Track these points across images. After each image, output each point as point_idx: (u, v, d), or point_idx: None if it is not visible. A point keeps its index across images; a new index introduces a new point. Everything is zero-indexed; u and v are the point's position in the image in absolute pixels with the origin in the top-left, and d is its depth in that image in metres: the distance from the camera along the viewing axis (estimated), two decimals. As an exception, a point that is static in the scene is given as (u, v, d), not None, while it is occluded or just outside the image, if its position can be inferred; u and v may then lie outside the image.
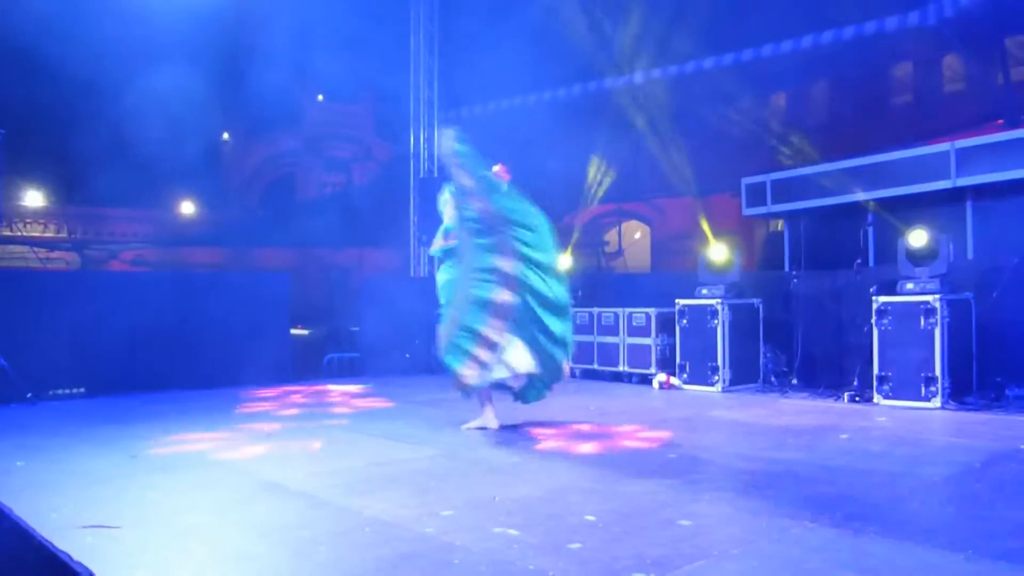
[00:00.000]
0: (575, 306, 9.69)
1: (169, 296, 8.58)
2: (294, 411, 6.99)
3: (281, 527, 3.45)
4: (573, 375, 9.53)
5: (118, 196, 17.37)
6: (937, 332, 6.70)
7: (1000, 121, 10.94)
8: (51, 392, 7.76)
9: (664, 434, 5.63)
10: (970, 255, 8.11)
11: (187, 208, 20.04)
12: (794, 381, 8.18)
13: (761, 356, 8.48)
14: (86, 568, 1.73)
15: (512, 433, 5.76)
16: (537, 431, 5.84)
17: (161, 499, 3.94)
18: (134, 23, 10.31)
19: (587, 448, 5.19)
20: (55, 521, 3.47)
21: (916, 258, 7.13)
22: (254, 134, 18.72)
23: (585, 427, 6.00)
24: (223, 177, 17.84)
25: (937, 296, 6.76)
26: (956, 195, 8.21)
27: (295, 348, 10.20)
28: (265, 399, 7.75)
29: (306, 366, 9.98)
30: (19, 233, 16.75)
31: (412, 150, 11.80)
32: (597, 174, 12.09)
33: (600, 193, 12.21)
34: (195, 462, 4.82)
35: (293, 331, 10.76)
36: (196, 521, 3.55)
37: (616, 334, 9.11)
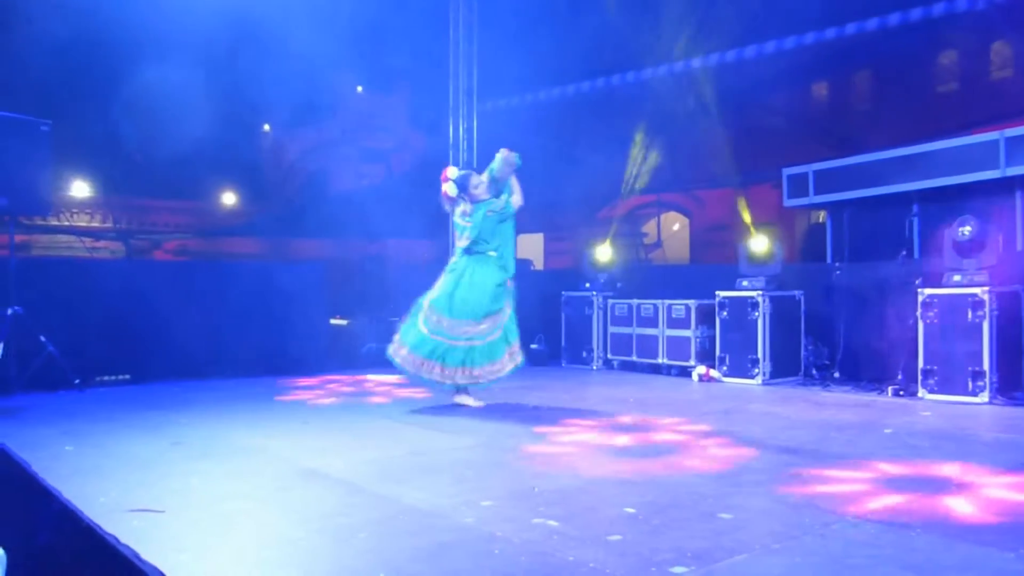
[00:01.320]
0: (614, 297, 9.66)
1: (211, 285, 8.70)
2: (333, 400, 7.06)
3: (321, 514, 3.48)
4: (611, 365, 9.48)
5: (162, 187, 17.60)
6: (985, 325, 6.56)
7: (1052, 109, 10.67)
8: (98, 379, 7.91)
9: (704, 427, 5.58)
10: (1019, 247, 7.91)
11: (228, 199, 20.29)
12: (836, 374, 8.06)
13: (802, 349, 8.37)
14: (132, 550, 1.75)
15: (551, 424, 5.75)
16: (576, 422, 5.83)
17: (203, 485, 3.99)
18: (178, 14, 10.42)
19: (626, 440, 5.16)
20: (102, 505, 3.54)
21: (963, 249, 6.97)
22: (294, 125, 18.88)
23: (624, 419, 5.97)
24: (263, 168, 18.02)
25: (985, 288, 6.61)
26: (1005, 185, 8.00)
27: (334, 337, 10.26)
28: (305, 388, 7.82)
29: (345, 355, 10.04)
30: (67, 223, 17.07)
31: (451, 141, 11.80)
32: (636, 165, 11.99)
33: (640, 184, 12.12)
34: (236, 449, 4.88)
35: (332, 321, 10.84)
36: (237, 507, 3.59)
37: (655, 326, 9.05)
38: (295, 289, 9.17)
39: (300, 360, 8.99)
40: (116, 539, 1.79)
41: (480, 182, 6.66)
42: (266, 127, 19.04)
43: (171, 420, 5.88)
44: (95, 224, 18.63)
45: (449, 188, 6.68)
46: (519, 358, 6.63)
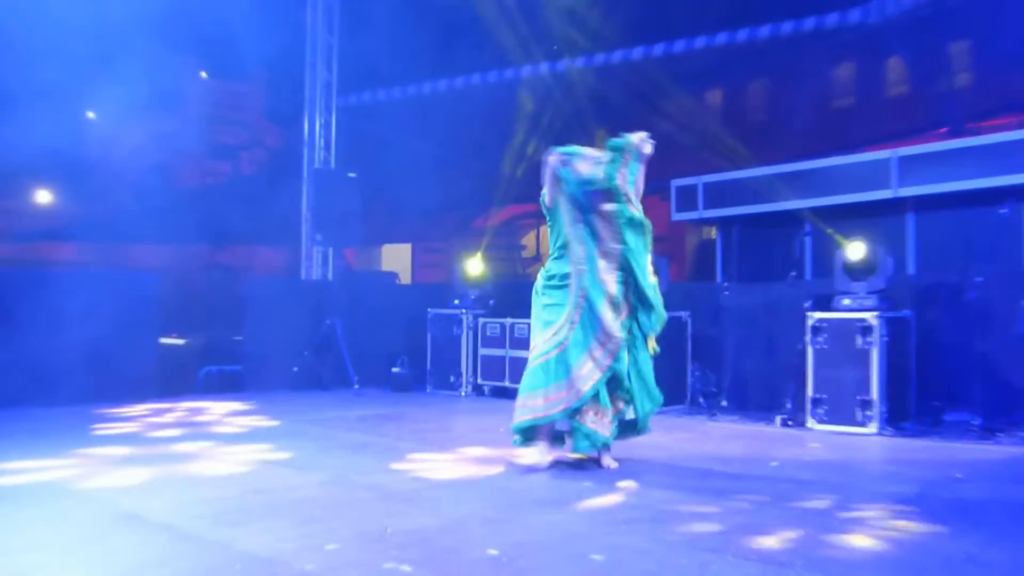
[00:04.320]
0: (485, 316, 9.70)
1: (18, 298, 8.25)
2: (162, 432, 6.80)
3: (138, 565, 3.34)
4: (481, 391, 9.52)
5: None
6: (874, 352, 6.93)
7: (944, 129, 11.41)
8: None
9: (578, 460, 5.66)
10: (911, 270, 8.41)
11: (42, 197, 19.30)
12: (724, 403, 8.34)
13: (688, 375, 8.63)
14: None
15: (410, 457, 5.71)
16: (439, 455, 5.81)
17: (-3, 532, 3.78)
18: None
19: (494, 473, 5.18)
20: None
21: (853, 272, 7.35)
22: (125, 114, 18.21)
23: (492, 451, 5.99)
24: (87, 162, 17.25)
25: (875, 313, 6.99)
26: (897, 206, 8.50)
27: (167, 359, 9.92)
28: (129, 418, 7.53)
29: (179, 380, 9.72)
30: None
31: (307, 137, 11.66)
32: (513, 170, 12.14)
33: (516, 191, 12.26)
34: (42, 491, 4.64)
35: (165, 340, 10.47)
36: (38, 560, 3.41)
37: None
38: (122, 303, 8.80)
39: (126, 386, 8.65)
40: None
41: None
42: (90, 115, 18.26)
43: (-39, 455, 5.54)
44: None
45: None
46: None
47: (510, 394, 9.19)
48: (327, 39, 11.51)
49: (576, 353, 5.29)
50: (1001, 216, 7.74)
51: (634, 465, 5.54)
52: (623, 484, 4.90)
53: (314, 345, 10.17)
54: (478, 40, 12.16)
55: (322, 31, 11.48)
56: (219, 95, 20.45)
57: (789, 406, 7.51)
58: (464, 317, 9.73)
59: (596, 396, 5.28)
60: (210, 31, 11.39)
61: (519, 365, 9.14)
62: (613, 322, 5.34)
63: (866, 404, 6.93)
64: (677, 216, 10.06)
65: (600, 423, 5.32)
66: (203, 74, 19.85)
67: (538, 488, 4.81)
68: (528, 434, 5.46)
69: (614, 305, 5.39)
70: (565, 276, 5.51)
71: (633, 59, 11.43)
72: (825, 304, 7.37)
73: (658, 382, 8.14)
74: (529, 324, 9.11)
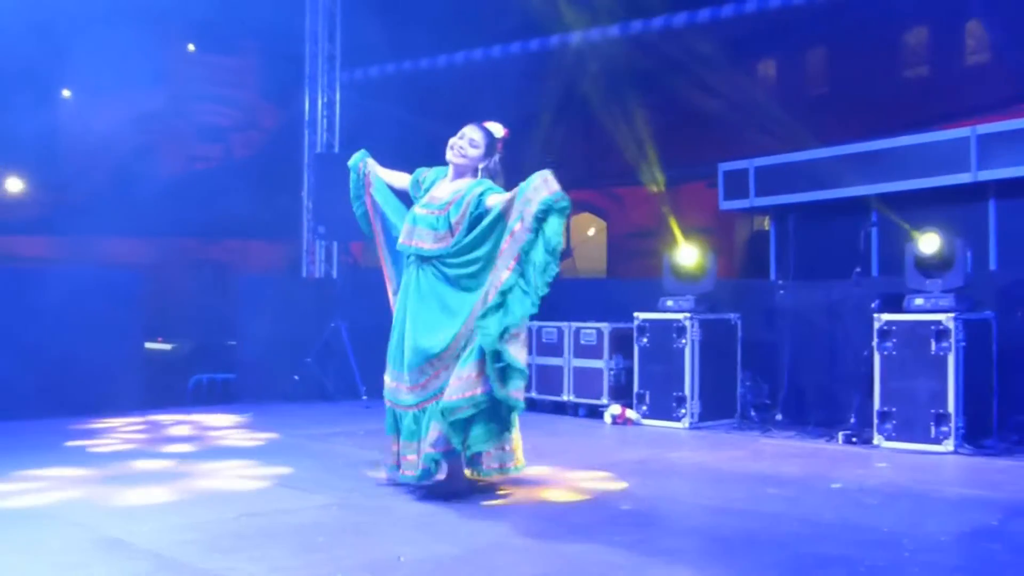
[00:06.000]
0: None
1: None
2: (147, 447, 6.87)
3: (122, 596, 3.39)
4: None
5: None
6: (951, 359, 6.88)
7: (1031, 103, 11.31)
8: None
9: (616, 481, 5.67)
10: (992, 265, 8.33)
11: (13, 185, 19.52)
12: (778, 416, 8.31)
13: (739, 385, 8.61)
14: None
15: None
16: (457, 475, 5.83)
17: (-35, 560, 3.84)
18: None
19: (519, 496, 5.20)
20: None
21: (927, 267, 7.30)
22: (103, 92, 18.35)
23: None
24: (62, 146, 17.41)
25: (951, 315, 6.93)
26: (977, 192, 8.41)
27: (152, 366, 10.01)
28: (109, 432, 7.60)
29: (166, 390, 9.81)
30: None
31: (307, 117, 11.71)
32: (540, 154, 12.15)
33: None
34: (15, 514, 4.70)
35: (150, 345, 10.57)
36: (10, 588, 3.47)
37: (560, 355, 9.15)
38: (100, 304, 8.88)
39: (104, 396, 8.71)
40: None
41: None
42: (66, 93, 18.44)
43: (-75, 474, 5.63)
44: None
45: None
46: None
47: (538, 406, 9.20)
48: (329, 6, 11.55)
49: None
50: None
51: (678, 486, 5.55)
52: (665, 507, 4.91)
53: (317, 351, 10.22)
54: (500, 6, 12.17)
55: (324, -4, 11.54)
56: (208, 70, 20.60)
57: (853, 421, 7.48)
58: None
59: None
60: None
61: (548, 373, 9.20)
62: None
63: (941, 418, 6.88)
64: (725, 205, 10.02)
65: None
66: (191, 47, 20.00)
67: (570, 512, 4.82)
68: None
69: None
70: None
71: (675, 26, 11.39)
72: (894, 305, 7.32)
73: (704, 393, 8.22)
74: (559, 328, 9.13)
